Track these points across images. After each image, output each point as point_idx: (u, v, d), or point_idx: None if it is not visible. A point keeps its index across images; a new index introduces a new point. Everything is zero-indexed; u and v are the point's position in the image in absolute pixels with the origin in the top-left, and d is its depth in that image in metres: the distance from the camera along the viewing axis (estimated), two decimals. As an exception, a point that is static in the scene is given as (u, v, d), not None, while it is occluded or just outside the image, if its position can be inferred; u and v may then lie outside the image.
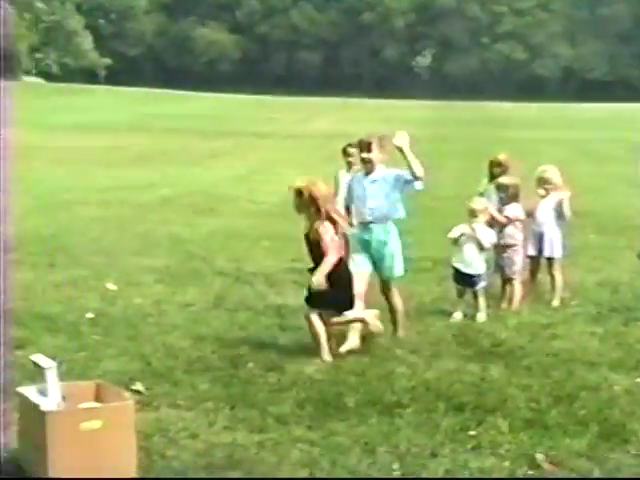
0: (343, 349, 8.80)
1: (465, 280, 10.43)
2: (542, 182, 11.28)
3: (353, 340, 8.92)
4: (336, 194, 10.72)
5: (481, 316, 10.27)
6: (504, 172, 11.40)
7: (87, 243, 14.36)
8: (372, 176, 9.25)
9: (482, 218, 10.43)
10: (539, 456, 6.39)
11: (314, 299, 8.66)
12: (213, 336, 9.28)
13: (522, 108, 73.52)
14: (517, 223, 10.98)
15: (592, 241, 15.55)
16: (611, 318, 10.37)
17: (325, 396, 7.49)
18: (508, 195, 11.00)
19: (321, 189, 8.64)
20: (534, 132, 45.54)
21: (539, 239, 11.23)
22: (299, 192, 8.61)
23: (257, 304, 10.71)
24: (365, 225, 9.28)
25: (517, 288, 10.92)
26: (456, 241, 10.45)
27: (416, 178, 9.01)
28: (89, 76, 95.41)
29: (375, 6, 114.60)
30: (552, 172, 11.40)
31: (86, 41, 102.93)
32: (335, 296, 8.64)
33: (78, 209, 18.06)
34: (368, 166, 9.27)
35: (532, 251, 11.25)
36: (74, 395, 6.13)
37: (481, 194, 11.40)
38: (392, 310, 9.48)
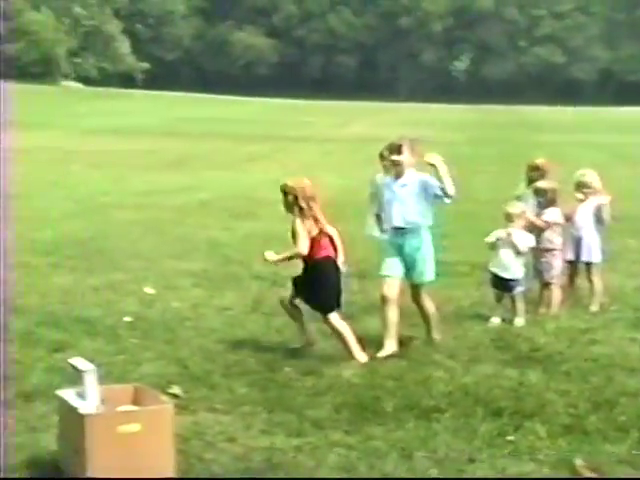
0: (380, 355, 8.79)
1: (502, 284, 10.38)
2: (581, 186, 11.22)
3: (390, 345, 8.91)
4: (373, 198, 10.71)
5: (519, 321, 10.23)
6: (542, 176, 11.34)
7: (125, 247, 14.40)
8: (402, 180, 9.15)
9: (518, 222, 10.38)
10: (578, 462, 6.35)
11: (299, 293, 8.88)
12: (250, 340, 9.31)
13: (559, 112, 73.11)
14: (556, 227, 10.92)
15: (631, 245, 15.42)
16: (651, 323, 10.28)
17: (362, 400, 7.49)
18: (546, 199, 10.94)
19: (306, 189, 8.78)
20: (571, 136, 45.21)
21: (577, 244, 11.15)
22: (284, 192, 8.81)
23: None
24: (398, 230, 9.20)
25: (556, 293, 10.86)
26: (493, 245, 10.41)
27: (447, 196, 8.95)
28: (127, 80, 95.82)
29: (412, 10, 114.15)
30: (591, 176, 11.34)
31: (124, 46, 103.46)
32: (320, 296, 8.78)
33: (115, 213, 18.11)
34: (398, 169, 9.19)
35: (570, 256, 11.18)
36: (112, 398, 6.17)
37: (518, 198, 11.34)
38: (424, 315, 9.43)
